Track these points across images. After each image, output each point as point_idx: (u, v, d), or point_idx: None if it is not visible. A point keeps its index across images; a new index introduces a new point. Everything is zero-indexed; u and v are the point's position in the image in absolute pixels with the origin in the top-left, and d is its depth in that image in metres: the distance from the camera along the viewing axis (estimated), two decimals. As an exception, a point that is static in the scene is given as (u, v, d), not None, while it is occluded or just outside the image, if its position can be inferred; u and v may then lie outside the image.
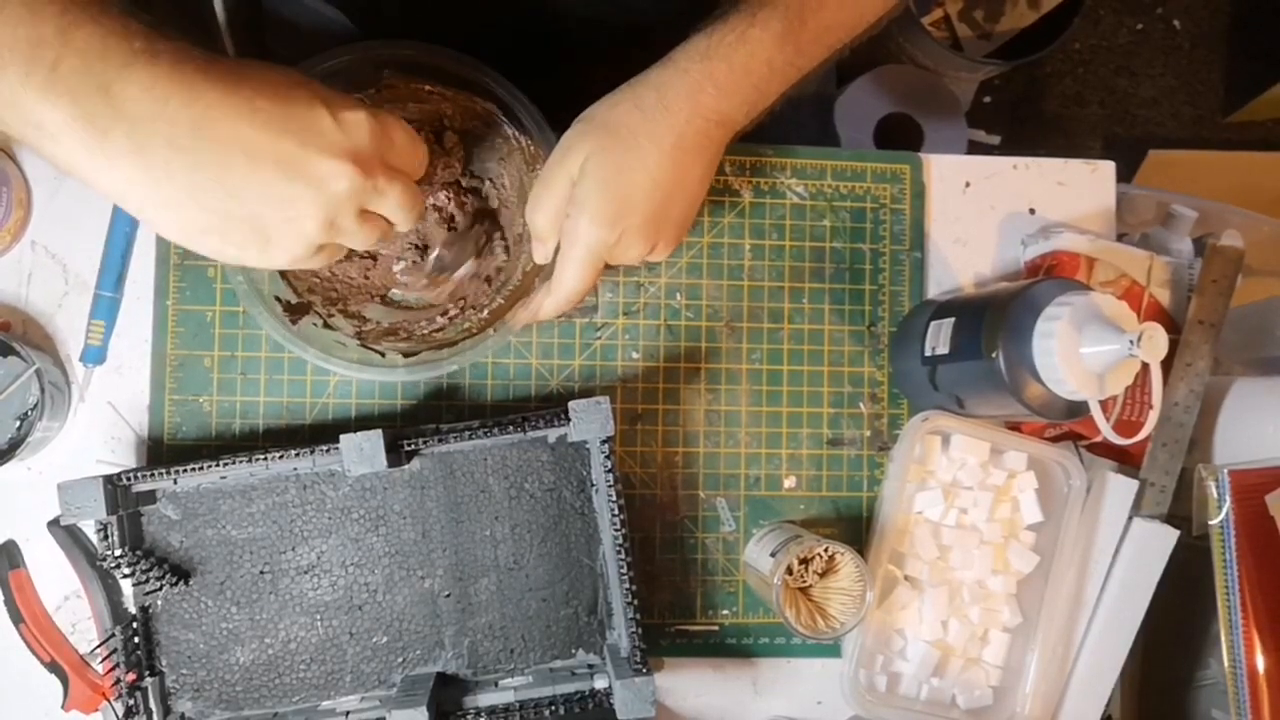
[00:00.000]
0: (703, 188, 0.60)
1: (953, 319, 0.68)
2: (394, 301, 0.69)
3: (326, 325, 0.66)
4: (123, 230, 0.70)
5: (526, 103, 0.66)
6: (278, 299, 0.65)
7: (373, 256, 0.68)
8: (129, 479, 0.62)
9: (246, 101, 0.45)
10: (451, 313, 0.69)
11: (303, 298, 0.66)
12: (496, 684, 0.67)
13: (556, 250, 0.61)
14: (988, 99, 1.79)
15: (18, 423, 0.65)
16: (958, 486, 0.72)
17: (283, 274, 0.66)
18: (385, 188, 0.50)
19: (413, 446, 0.64)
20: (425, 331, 0.68)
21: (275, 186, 0.46)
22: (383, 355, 0.66)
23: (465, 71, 0.65)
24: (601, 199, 0.56)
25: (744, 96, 0.57)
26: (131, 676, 0.63)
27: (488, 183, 0.70)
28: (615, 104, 0.58)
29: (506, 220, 0.70)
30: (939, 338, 0.69)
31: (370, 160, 0.49)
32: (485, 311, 0.69)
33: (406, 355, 0.66)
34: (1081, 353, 0.60)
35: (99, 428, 0.70)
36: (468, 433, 0.64)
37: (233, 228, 0.46)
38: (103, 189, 0.44)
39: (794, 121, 0.91)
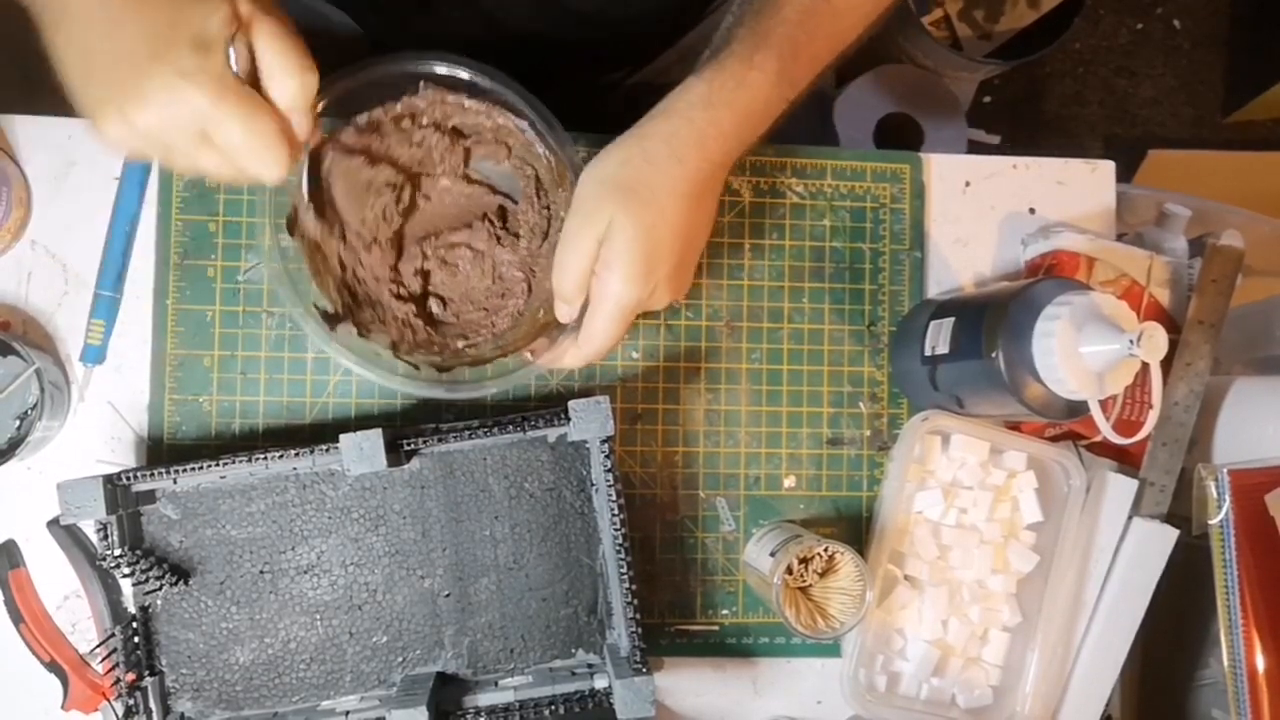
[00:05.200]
0: (711, 222, 0.62)
1: (953, 319, 0.68)
2: (434, 318, 0.69)
3: (363, 335, 0.66)
4: (122, 229, 0.70)
5: (550, 116, 0.66)
6: (316, 307, 0.64)
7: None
8: (129, 479, 0.62)
9: None
10: (487, 333, 0.69)
11: (339, 310, 0.65)
12: (496, 684, 0.67)
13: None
14: (988, 99, 1.79)
15: (17, 422, 0.65)
16: (958, 486, 0.72)
17: (321, 282, 0.65)
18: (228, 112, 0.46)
19: (412, 446, 0.64)
20: (459, 347, 0.68)
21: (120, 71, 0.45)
22: (417, 368, 0.66)
23: (494, 85, 0.65)
24: (632, 259, 0.57)
25: (744, 137, 0.59)
26: (131, 676, 0.63)
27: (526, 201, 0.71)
28: (626, 161, 0.58)
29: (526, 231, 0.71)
30: (939, 337, 0.69)
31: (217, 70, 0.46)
32: (521, 329, 0.68)
33: (440, 370, 0.66)
34: (1081, 352, 0.60)
35: (99, 427, 0.70)
36: (467, 432, 0.64)
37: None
38: None
39: (794, 121, 0.91)
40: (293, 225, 0.64)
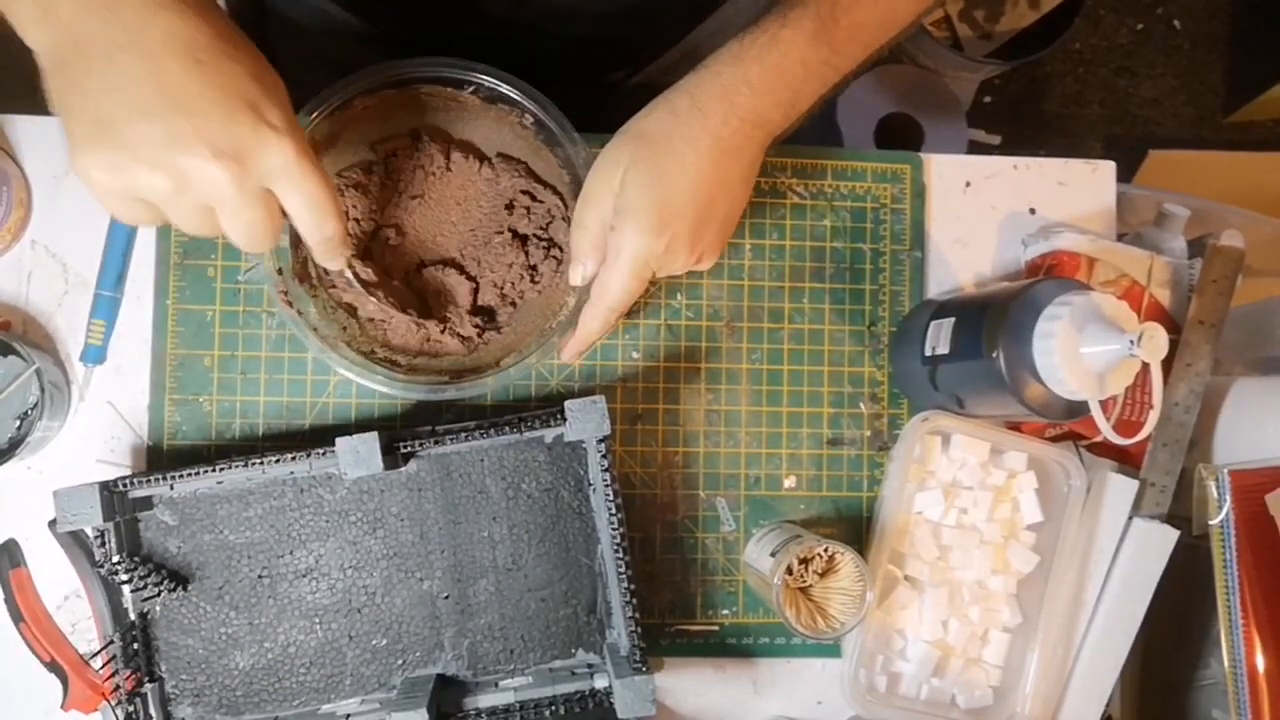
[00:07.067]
0: (745, 190, 0.60)
1: (953, 319, 0.68)
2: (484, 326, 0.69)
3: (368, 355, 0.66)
4: (122, 229, 0.70)
5: (553, 107, 0.65)
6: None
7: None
8: (125, 485, 0.62)
9: (193, 48, 0.45)
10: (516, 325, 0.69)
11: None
12: (496, 685, 0.67)
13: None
14: (988, 99, 1.79)
15: (17, 422, 0.65)
16: (958, 486, 0.72)
17: (348, 337, 0.66)
18: (242, 211, 0.47)
19: (409, 449, 0.64)
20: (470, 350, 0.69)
21: (152, 128, 0.44)
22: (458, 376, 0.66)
23: (492, 83, 0.65)
24: (646, 206, 0.56)
25: (779, 96, 0.57)
26: (131, 683, 0.63)
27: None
28: (649, 112, 0.58)
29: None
30: (939, 338, 0.68)
31: (247, 180, 0.46)
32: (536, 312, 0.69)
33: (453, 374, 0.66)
34: (1082, 353, 0.59)
35: (99, 427, 0.70)
36: (464, 434, 0.63)
37: (92, 122, 0.45)
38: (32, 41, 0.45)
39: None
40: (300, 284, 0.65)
